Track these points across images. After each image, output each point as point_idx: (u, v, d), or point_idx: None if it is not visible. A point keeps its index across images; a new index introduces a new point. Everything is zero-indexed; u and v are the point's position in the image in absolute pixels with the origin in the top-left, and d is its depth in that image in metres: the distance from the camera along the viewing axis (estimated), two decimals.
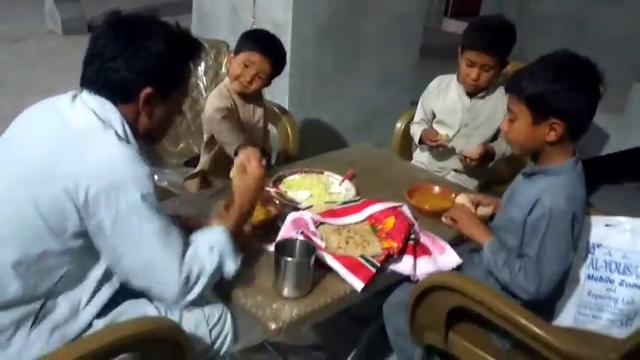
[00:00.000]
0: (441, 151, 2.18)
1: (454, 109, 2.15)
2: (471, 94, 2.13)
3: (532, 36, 4.44)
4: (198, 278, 1.25)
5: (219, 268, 1.29)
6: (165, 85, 1.28)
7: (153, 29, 1.25)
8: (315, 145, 2.76)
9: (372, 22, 3.13)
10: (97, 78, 1.23)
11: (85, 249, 1.21)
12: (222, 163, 2.02)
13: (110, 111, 1.23)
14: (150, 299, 1.32)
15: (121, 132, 1.23)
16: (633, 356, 1.22)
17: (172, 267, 1.21)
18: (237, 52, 2.03)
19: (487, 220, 1.69)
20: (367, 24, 3.11)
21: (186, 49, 1.32)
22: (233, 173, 1.52)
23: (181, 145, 2.44)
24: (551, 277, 1.39)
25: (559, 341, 1.22)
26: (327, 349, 2.06)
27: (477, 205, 1.72)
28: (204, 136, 2.10)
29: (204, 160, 2.14)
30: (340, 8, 2.96)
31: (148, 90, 1.25)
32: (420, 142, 2.22)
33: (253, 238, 1.55)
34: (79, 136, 1.19)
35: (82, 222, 1.17)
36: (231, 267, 1.31)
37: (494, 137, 2.18)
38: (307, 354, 2.05)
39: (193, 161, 2.32)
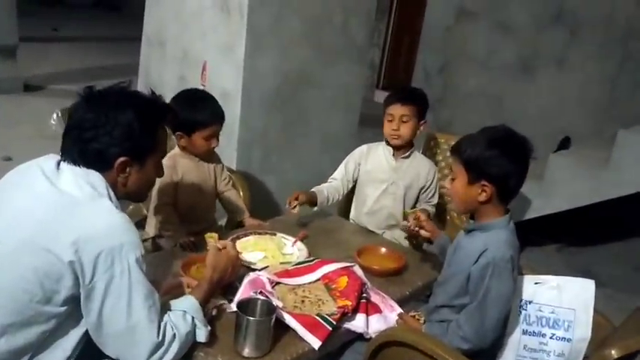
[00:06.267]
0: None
1: (382, 167, 2.33)
2: (397, 155, 2.32)
3: (457, 109, 4.86)
4: (172, 340, 1.30)
5: (191, 332, 1.36)
6: (138, 152, 1.37)
7: (123, 101, 1.35)
8: (262, 205, 2.84)
9: (317, 92, 3.32)
10: (74, 148, 1.31)
11: (70, 314, 1.25)
12: (172, 227, 2.07)
13: (95, 177, 1.30)
14: None
15: (112, 197, 1.31)
16: None
17: (152, 331, 1.27)
18: (189, 131, 2.06)
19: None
20: (312, 93, 3.30)
21: (157, 116, 1.42)
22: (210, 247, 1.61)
23: (131, 207, 2.44)
24: (495, 321, 1.51)
25: None
26: None
27: (420, 227, 1.91)
28: (153, 201, 2.12)
29: (153, 224, 2.16)
30: (287, 79, 3.13)
31: (122, 159, 1.33)
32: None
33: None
34: (74, 204, 1.25)
35: (75, 286, 1.21)
36: (201, 333, 1.39)
37: (417, 199, 2.36)
38: None
39: (142, 222, 2.33)
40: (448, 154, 2.78)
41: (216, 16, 3.04)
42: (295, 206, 2.15)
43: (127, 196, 1.40)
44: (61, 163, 1.33)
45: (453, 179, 1.63)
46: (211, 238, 1.70)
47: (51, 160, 1.34)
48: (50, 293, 1.21)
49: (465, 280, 1.57)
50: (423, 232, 1.91)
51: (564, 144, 4.05)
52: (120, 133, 1.31)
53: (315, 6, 3.13)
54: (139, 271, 1.26)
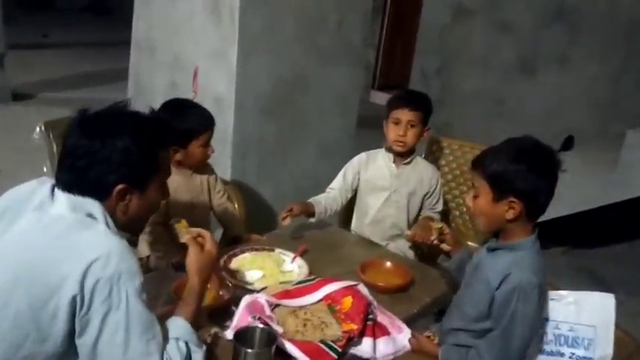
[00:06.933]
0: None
1: (382, 175, 2.24)
2: (398, 162, 2.22)
3: (456, 111, 4.75)
4: None
5: (187, 359, 1.26)
6: (137, 179, 1.26)
7: (119, 125, 1.25)
8: (258, 217, 2.73)
9: (312, 96, 3.22)
10: (69, 177, 1.22)
11: (64, 354, 1.16)
12: (163, 247, 1.97)
13: (92, 204, 1.21)
14: None
15: (110, 224, 1.21)
16: None
17: None
18: (184, 143, 1.95)
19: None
20: (307, 97, 3.20)
21: (156, 138, 1.30)
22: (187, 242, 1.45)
23: None
24: (519, 351, 1.42)
25: None
26: None
27: (441, 241, 1.78)
28: None
29: (144, 245, 2.05)
30: (281, 83, 3.03)
31: (120, 187, 1.23)
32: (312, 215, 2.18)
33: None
34: (68, 232, 1.16)
35: (71, 321, 1.12)
36: (198, 357, 1.28)
37: (421, 207, 2.27)
38: None
39: (134, 240, 2.23)
40: (452, 158, 2.71)
41: (206, 19, 2.93)
42: (286, 217, 2.04)
43: (128, 225, 1.29)
44: (55, 189, 1.24)
45: (475, 196, 1.51)
46: (183, 227, 1.52)
47: (45, 184, 1.25)
48: (46, 331, 1.13)
49: (487, 304, 1.47)
50: (443, 246, 1.79)
51: (567, 144, 3.96)
52: (116, 159, 1.21)
53: (309, 6, 3.03)
54: (138, 301, 1.16)
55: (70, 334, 1.14)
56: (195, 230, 1.50)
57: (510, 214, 1.45)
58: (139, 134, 1.25)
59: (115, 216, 1.25)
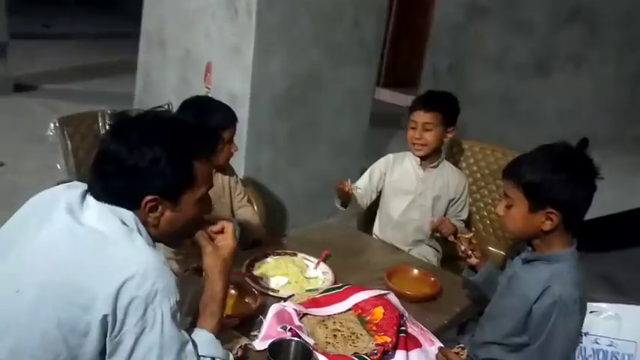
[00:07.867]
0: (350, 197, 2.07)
1: (408, 177, 2.19)
2: (425, 165, 2.17)
3: (468, 111, 4.66)
4: None
5: None
6: (167, 190, 1.18)
7: (151, 132, 1.16)
8: (269, 214, 2.67)
9: (326, 94, 3.16)
10: (99, 183, 1.16)
11: None
12: (184, 251, 1.89)
13: (124, 212, 1.14)
14: None
15: (144, 234, 1.14)
16: None
17: None
18: None
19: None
20: (321, 96, 3.14)
21: (190, 148, 1.20)
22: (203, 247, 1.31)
23: None
24: None
25: None
26: None
27: (473, 250, 1.69)
28: None
29: (162, 247, 1.98)
30: (296, 81, 2.97)
31: (149, 197, 1.15)
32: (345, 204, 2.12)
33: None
34: (101, 243, 1.09)
35: (102, 341, 1.06)
36: None
37: (445, 213, 2.22)
38: None
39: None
40: (472, 160, 2.64)
41: (221, 15, 2.86)
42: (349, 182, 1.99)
43: (161, 240, 1.23)
44: (87, 195, 1.17)
45: (508, 206, 1.45)
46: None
47: (75, 189, 1.18)
48: (76, 351, 1.06)
49: (524, 318, 1.41)
50: (472, 260, 1.71)
51: (581, 147, 3.89)
52: (143, 169, 1.14)
53: (326, 3, 2.96)
54: (172, 321, 1.10)
55: (102, 354, 1.08)
56: (219, 224, 1.33)
57: (548, 225, 1.39)
58: (170, 143, 1.16)
59: (147, 229, 1.18)
